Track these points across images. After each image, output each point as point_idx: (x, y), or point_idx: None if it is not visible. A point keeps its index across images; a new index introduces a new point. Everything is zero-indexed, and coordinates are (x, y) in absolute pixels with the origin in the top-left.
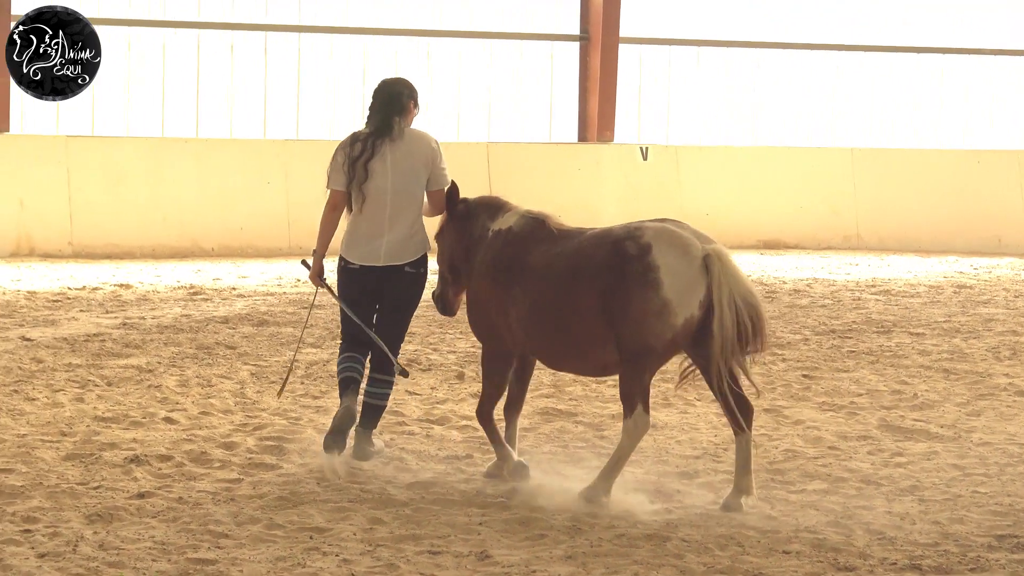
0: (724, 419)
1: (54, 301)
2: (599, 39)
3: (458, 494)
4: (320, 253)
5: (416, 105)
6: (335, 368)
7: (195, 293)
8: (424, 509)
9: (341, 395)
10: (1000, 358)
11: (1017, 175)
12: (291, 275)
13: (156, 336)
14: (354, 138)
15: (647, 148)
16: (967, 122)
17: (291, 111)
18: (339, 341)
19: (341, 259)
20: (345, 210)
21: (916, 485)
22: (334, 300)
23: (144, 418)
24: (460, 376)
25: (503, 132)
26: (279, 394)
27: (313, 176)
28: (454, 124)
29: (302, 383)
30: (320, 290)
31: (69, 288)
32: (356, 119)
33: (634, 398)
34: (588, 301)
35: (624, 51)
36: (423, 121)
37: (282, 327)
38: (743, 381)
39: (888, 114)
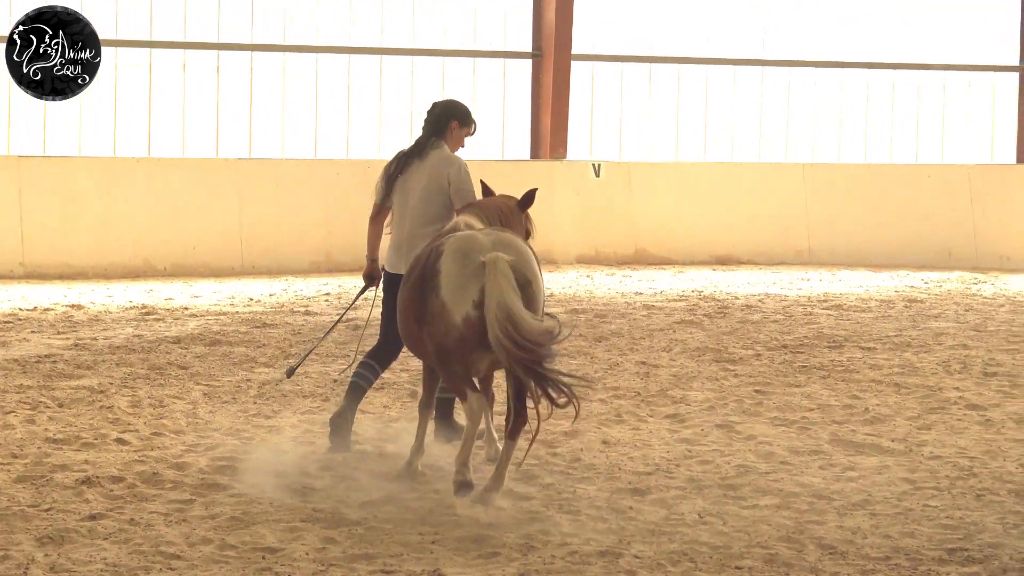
0: (677, 435)
1: (5, 322)
2: (551, 56)
3: (411, 513)
4: (370, 257)
5: (462, 124)
6: (286, 388)
7: (147, 313)
8: (377, 528)
9: (344, 397)
10: (951, 372)
11: (967, 189)
12: (244, 294)
13: (108, 357)
14: (396, 155)
15: (600, 165)
16: (917, 137)
17: (243, 130)
18: (289, 360)
19: (382, 265)
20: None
21: (867, 499)
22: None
23: (96, 439)
24: (413, 394)
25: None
26: (288, 374)
27: (266, 195)
28: (407, 141)
29: (255, 403)
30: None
31: (20, 309)
32: (308, 137)
33: (459, 389)
34: (408, 303)
35: (576, 68)
36: (370, 136)
37: (235, 347)
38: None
39: (839, 129)
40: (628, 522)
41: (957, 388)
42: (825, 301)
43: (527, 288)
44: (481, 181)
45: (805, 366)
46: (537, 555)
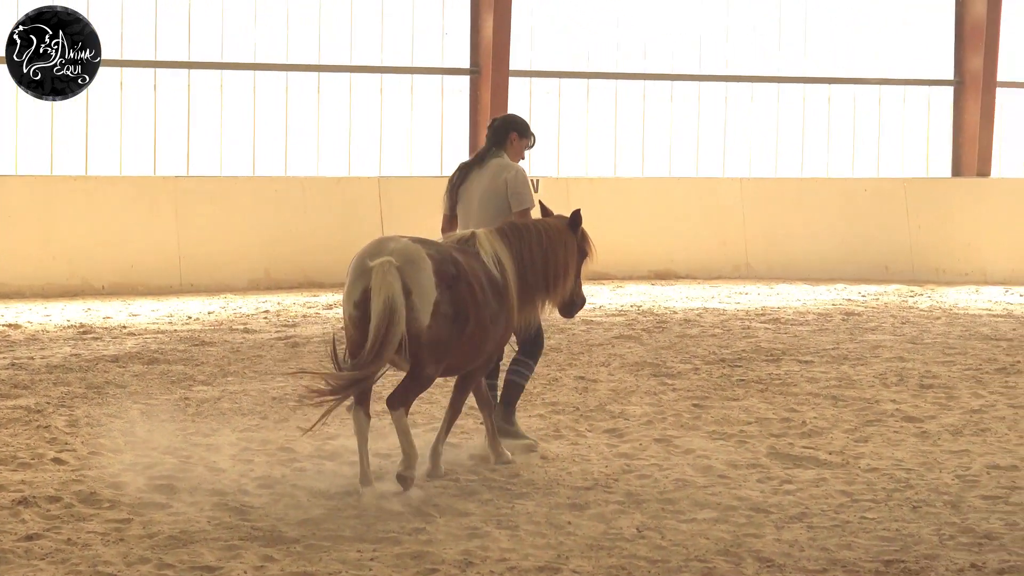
0: (615, 450)
1: None
2: (489, 72)
3: (350, 530)
4: None
5: (521, 136)
6: (224, 406)
7: (85, 332)
8: (315, 546)
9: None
10: (887, 384)
11: (903, 203)
12: (182, 312)
13: (45, 376)
14: (458, 166)
15: (538, 180)
16: (854, 151)
17: (181, 147)
18: (228, 378)
19: None
20: None
21: (805, 512)
22: None
23: (33, 459)
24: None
25: (394, 166)
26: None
27: (204, 212)
28: (344, 158)
29: (193, 421)
30: None
31: None
32: (246, 154)
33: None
34: None
35: (514, 84)
36: (309, 152)
37: (173, 365)
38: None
39: (776, 144)
40: (567, 537)
41: (894, 400)
42: (763, 315)
43: (408, 296)
44: (540, 201)
45: (743, 380)
46: (476, 571)
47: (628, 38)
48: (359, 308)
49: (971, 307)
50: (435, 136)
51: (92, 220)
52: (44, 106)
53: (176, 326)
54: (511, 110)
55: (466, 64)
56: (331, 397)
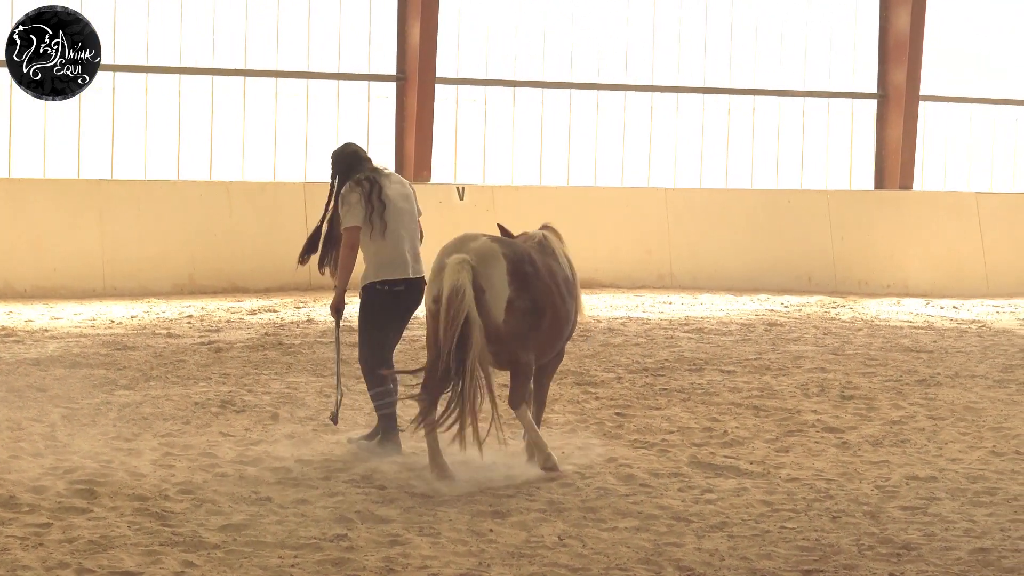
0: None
1: None
2: (415, 79)
3: (271, 536)
4: (342, 288)
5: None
6: (146, 411)
7: (6, 335)
8: (236, 551)
9: (389, 429)
10: (809, 395)
11: (826, 214)
12: (105, 316)
13: None
14: (356, 182)
15: (463, 188)
16: (778, 162)
17: (105, 151)
18: (150, 383)
19: (377, 285)
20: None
21: (725, 521)
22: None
23: None
24: (275, 417)
25: (320, 172)
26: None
27: (128, 216)
28: (270, 163)
29: (115, 425)
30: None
31: None
32: (171, 158)
33: None
34: None
35: (440, 91)
36: (234, 157)
37: (95, 368)
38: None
39: (701, 154)
40: (488, 545)
41: (815, 411)
42: (686, 324)
43: (482, 294)
44: (500, 224)
45: (666, 389)
46: None
47: (554, 47)
48: (436, 303)
49: (892, 319)
50: (361, 141)
51: (14, 223)
52: None
53: (99, 330)
54: (437, 117)
55: (393, 71)
56: (427, 404)
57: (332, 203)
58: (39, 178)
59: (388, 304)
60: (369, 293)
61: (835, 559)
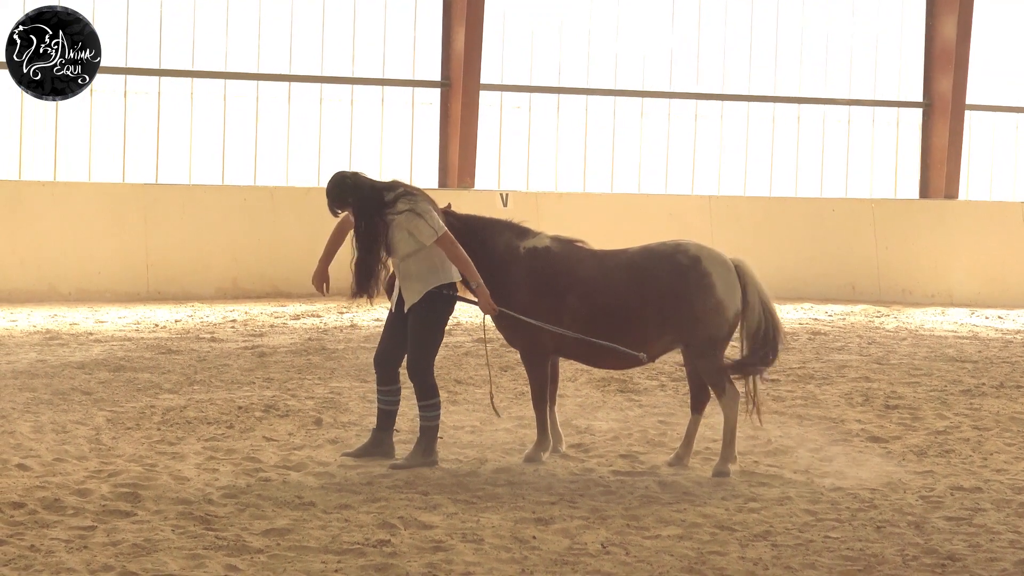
0: (581, 464)
1: None
2: (460, 85)
3: (314, 541)
4: (479, 281)
5: None
6: (190, 414)
7: (51, 338)
8: (280, 556)
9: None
10: (853, 404)
11: (870, 223)
12: (149, 320)
13: (11, 381)
14: (405, 197)
15: (507, 195)
16: (822, 171)
17: (151, 155)
18: (194, 387)
19: (445, 290)
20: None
21: (769, 530)
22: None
23: None
24: (318, 422)
25: None
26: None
27: (172, 220)
28: (315, 168)
29: (159, 429)
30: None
31: None
32: (215, 163)
33: (720, 379)
34: (650, 304)
35: (485, 97)
36: (278, 162)
37: (139, 372)
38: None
39: (745, 162)
40: (531, 552)
41: (859, 420)
42: None
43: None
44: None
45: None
46: None
47: (599, 54)
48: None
49: (937, 328)
50: (405, 147)
51: (60, 226)
52: (13, 110)
53: (143, 334)
54: (481, 123)
55: (437, 77)
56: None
57: (368, 232)
58: (85, 182)
59: (449, 308)
60: (436, 298)
61: (879, 569)
